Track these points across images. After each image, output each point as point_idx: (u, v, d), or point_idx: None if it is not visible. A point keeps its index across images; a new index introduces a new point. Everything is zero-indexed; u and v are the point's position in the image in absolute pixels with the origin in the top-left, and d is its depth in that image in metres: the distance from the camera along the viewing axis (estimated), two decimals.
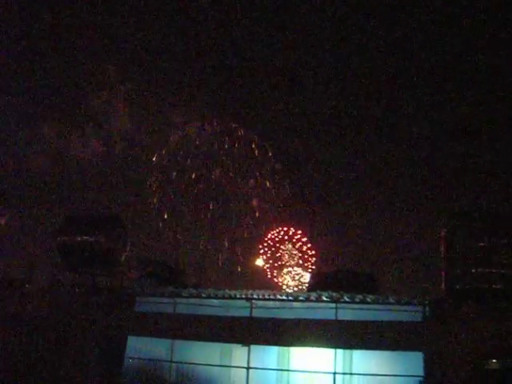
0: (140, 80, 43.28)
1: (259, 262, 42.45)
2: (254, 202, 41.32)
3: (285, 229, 42.49)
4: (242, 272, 40.66)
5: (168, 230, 40.55)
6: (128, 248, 28.95)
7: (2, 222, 32.36)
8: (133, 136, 42.68)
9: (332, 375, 22.15)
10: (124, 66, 44.11)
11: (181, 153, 41.78)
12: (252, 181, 41.30)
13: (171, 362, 24.14)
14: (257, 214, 41.42)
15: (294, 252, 42.19)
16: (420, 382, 21.26)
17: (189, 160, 41.58)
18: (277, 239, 42.21)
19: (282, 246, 42.20)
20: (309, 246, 42.13)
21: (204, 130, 42.11)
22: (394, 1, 45.83)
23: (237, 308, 24.01)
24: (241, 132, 41.92)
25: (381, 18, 46.29)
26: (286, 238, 42.17)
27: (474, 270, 23.45)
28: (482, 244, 23.70)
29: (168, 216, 40.95)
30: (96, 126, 42.87)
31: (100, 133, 42.86)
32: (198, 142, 42.11)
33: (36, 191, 40.51)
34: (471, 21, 43.74)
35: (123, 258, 28.57)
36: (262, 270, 42.58)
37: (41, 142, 42.00)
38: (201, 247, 40.24)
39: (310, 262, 42.07)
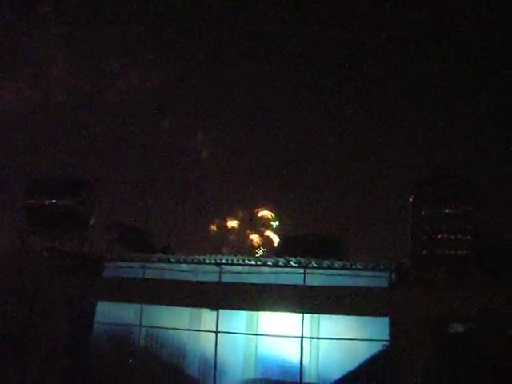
0: (78, 23, 40.65)
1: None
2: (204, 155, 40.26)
3: None
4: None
5: (137, 193, 40.20)
6: (96, 212, 28.74)
7: None
8: (72, 84, 40.17)
9: (299, 339, 22.58)
10: (61, 7, 41.25)
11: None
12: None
13: (140, 326, 24.24)
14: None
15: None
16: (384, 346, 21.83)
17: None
18: None
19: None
20: None
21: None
22: None
23: (206, 273, 24.15)
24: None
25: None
26: None
27: (439, 237, 23.99)
28: (447, 211, 24.22)
29: (135, 178, 40.49)
30: (32, 72, 40.21)
31: (37, 81, 40.14)
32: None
33: None
34: None
35: (92, 222, 28.37)
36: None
37: None
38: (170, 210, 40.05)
39: None
